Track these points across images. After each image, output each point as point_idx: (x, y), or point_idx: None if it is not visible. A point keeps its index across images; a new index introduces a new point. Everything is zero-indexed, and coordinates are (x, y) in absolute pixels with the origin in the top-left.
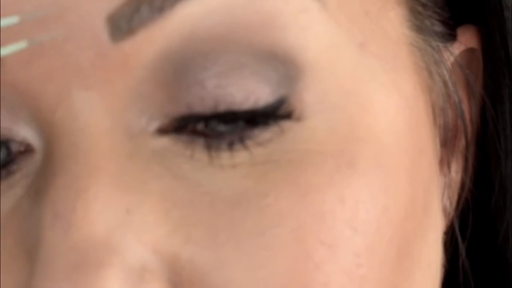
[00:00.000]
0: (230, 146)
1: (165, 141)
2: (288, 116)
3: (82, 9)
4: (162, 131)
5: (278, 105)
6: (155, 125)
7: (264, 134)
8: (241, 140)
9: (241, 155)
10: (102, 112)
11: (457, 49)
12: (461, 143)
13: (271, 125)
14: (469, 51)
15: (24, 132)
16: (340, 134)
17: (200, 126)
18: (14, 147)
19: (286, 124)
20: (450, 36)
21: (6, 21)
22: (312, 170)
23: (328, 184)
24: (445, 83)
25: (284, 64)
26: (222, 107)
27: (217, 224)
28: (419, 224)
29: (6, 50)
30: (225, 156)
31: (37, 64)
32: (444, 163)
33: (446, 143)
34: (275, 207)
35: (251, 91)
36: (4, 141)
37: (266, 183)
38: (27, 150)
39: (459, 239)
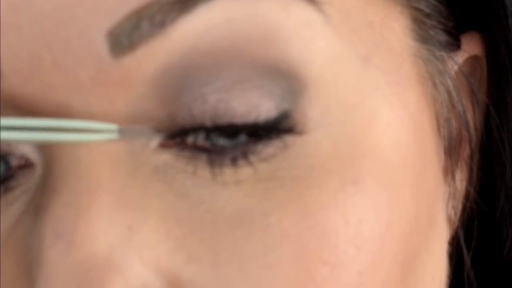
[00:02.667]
0: (234, 161)
1: (166, 157)
2: (291, 130)
3: (81, 24)
4: (163, 146)
5: (280, 119)
6: (156, 140)
7: (267, 149)
8: (245, 155)
9: (245, 171)
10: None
11: (461, 57)
12: (466, 152)
13: (274, 140)
14: (473, 58)
15: (23, 147)
16: (344, 149)
17: (201, 139)
18: (13, 162)
19: (289, 139)
20: (454, 45)
21: (105, 127)
22: (316, 188)
23: (332, 203)
24: (449, 93)
25: (287, 79)
26: (224, 120)
27: (219, 243)
28: (424, 238)
29: (97, 137)
30: (228, 172)
31: (36, 80)
32: (448, 172)
33: (451, 152)
34: (278, 226)
35: (253, 105)
36: (3, 155)
37: (270, 202)
38: (27, 164)
39: (464, 249)
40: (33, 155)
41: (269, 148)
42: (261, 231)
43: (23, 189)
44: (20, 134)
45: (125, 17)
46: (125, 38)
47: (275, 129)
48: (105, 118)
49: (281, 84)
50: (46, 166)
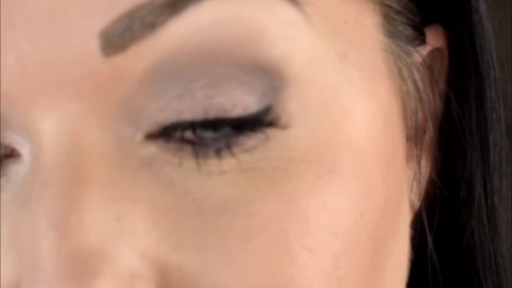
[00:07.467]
0: (218, 153)
1: (152, 149)
2: (272, 123)
3: (73, 24)
4: (150, 138)
5: (264, 113)
6: (143, 133)
7: (250, 141)
8: (228, 147)
9: (228, 162)
10: (92, 122)
11: (425, 50)
12: (430, 140)
13: (257, 132)
14: (435, 50)
15: (11, 137)
16: (322, 141)
17: (188, 134)
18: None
19: (270, 132)
20: (420, 40)
21: None
22: (296, 178)
23: (311, 192)
24: (416, 86)
25: (270, 76)
26: (211, 115)
27: (205, 231)
28: (391, 224)
29: None
30: (213, 163)
31: (29, 79)
32: (411, 158)
33: (416, 140)
34: (261, 214)
35: (239, 100)
36: None
37: (252, 191)
38: (13, 154)
39: (427, 231)
40: (21, 146)
41: (251, 140)
42: (245, 218)
43: (9, 178)
44: None
45: (117, 18)
46: (117, 38)
47: (258, 122)
48: (94, 113)
49: (264, 80)
50: (35, 158)
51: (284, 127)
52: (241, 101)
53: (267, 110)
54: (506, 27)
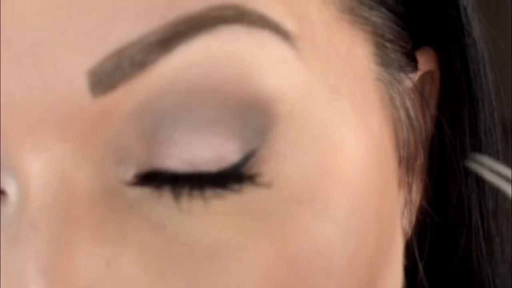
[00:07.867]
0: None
1: (142, 189)
2: (255, 176)
3: (61, 62)
4: (139, 178)
5: (246, 160)
6: (132, 173)
7: (237, 185)
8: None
9: (218, 203)
10: (79, 162)
11: (416, 75)
12: (420, 166)
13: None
14: (426, 73)
15: (3, 177)
16: (314, 179)
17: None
18: None
19: (256, 180)
20: (412, 66)
21: None
22: (289, 221)
23: (304, 235)
24: (408, 113)
25: (258, 116)
26: (191, 167)
27: (197, 276)
28: (385, 256)
29: None
30: (202, 205)
31: (16, 117)
32: (403, 185)
33: (408, 167)
34: (254, 259)
35: (221, 148)
36: None
37: (244, 235)
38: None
39: (418, 259)
40: (8, 186)
41: (239, 185)
42: (237, 264)
43: None
44: None
45: (106, 57)
46: (106, 77)
47: (240, 172)
48: (82, 152)
49: (252, 123)
50: (22, 198)
51: (267, 182)
52: (224, 148)
53: (251, 155)
54: (506, 28)
